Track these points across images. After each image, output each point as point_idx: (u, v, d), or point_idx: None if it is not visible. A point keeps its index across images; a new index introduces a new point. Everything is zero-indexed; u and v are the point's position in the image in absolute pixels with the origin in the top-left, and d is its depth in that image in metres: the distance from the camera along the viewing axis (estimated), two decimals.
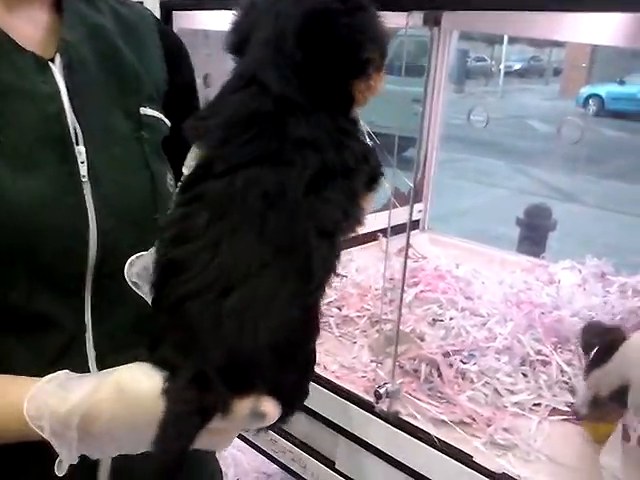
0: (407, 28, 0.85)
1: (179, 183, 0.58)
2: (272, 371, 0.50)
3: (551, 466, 0.93)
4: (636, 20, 0.85)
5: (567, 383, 1.10)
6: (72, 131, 0.62)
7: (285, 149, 0.50)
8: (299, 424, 1.16)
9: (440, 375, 1.09)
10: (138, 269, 0.60)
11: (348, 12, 0.52)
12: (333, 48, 0.52)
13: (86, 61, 0.65)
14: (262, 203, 0.49)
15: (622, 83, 11.36)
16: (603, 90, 11.44)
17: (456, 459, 0.93)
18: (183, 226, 0.51)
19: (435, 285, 1.39)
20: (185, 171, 0.57)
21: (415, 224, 1.82)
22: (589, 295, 1.35)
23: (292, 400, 0.56)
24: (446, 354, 1.14)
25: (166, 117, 0.73)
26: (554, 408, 1.05)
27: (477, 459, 0.92)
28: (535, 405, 1.06)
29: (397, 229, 1.09)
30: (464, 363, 1.12)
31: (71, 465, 0.53)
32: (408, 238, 1.03)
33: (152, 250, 0.59)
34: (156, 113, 0.71)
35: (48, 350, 0.62)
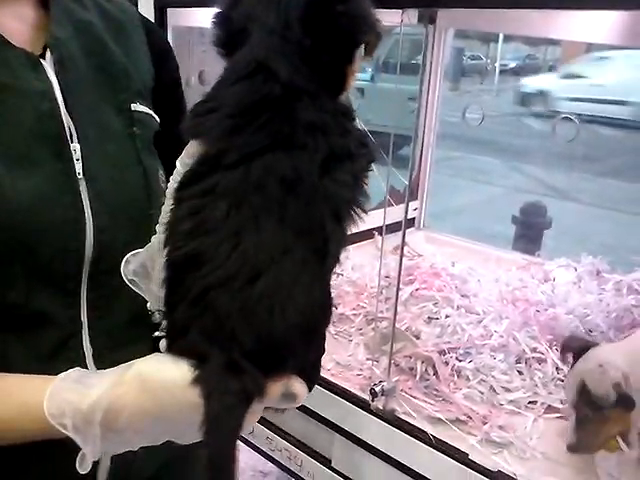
0: (402, 26, 0.85)
1: (172, 178, 0.58)
2: (301, 351, 0.52)
3: (547, 463, 0.93)
4: (631, 18, 0.86)
5: (562, 381, 1.10)
6: (67, 128, 0.61)
7: (296, 134, 0.51)
8: (295, 422, 1.16)
9: (436, 373, 1.10)
10: (135, 266, 0.60)
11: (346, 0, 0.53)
12: (336, 34, 0.53)
13: (75, 58, 0.65)
14: (280, 189, 0.50)
15: None
16: None
17: (452, 457, 0.94)
18: (198, 219, 0.51)
19: (431, 283, 1.40)
20: (180, 167, 0.56)
21: (411, 222, 1.82)
22: (584, 293, 1.36)
23: (311, 379, 0.57)
24: (442, 352, 1.14)
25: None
26: (549, 406, 1.06)
27: (473, 457, 0.92)
28: (530, 403, 1.06)
29: (393, 227, 1.09)
30: (460, 361, 1.13)
31: (69, 465, 0.53)
32: (403, 236, 1.03)
33: (148, 247, 0.59)
34: (146, 109, 0.71)
35: (45, 347, 0.61)
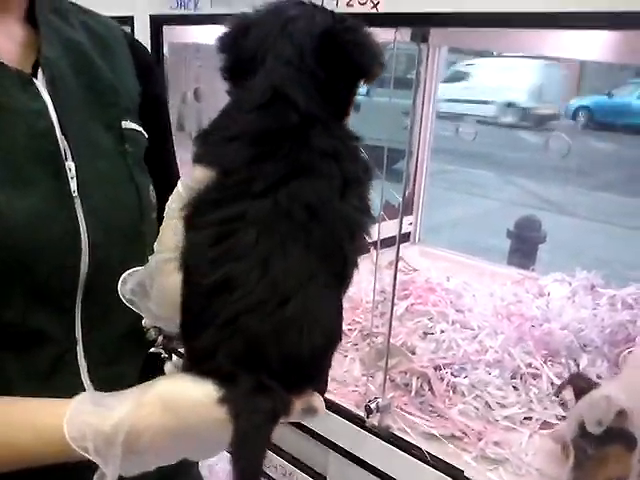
0: (395, 44, 0.86)
1: (172, 199, 0.58)
2: (322, 369, 0.57)
3: None
4: (621, 36, 0.87)
5: (557, 396, 1.10)
6: (61, 147, 0.62)
7: (314, 161, 0.53)
8: (290, 439, 1.16)
9: (431, 389, 1.09)
10: (132, 285, 0.61)
11: (353, 31, 0.56)
12: (348, 65, 0.56)
13: (65, 77, 0.65)
14: (306, 216, 0.52)
15: (610, 96, 11.48)
16: (592, 102, 11.56)
17: (447, 474, 0.93)
18: (226, 246, 0.52)
19: (426, 298, 1.40)
20: (182, 189, 0.57)
21: (406, 236, 1.82)
22: (579, 308, 1.36)
23: (323, 392, 0.60)
24: (437, 367, 1.14)
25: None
26: (545, 421, 1.05)
27: (468, 473, 0.92)
28: (526, 419, 1.06)
29: (388, 242, 1.09)
30: (455, 376, 1.12)
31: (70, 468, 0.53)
32: (398, 251, 1.03)
33: (146, 266, 0.59)
34: (136, 126, 0.71)
35: (43, 364, 0.62)
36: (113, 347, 0.68)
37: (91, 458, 0.51)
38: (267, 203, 0.52)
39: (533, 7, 0.74)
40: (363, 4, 0.88)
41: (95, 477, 0.52)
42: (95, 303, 0.64)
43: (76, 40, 0.68)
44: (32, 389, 0.58)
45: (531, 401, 1.09)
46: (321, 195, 0.53)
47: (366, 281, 1.47)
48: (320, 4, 0.60)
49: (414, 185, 1.80)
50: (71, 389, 0.62)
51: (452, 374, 1.13)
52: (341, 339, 0.59)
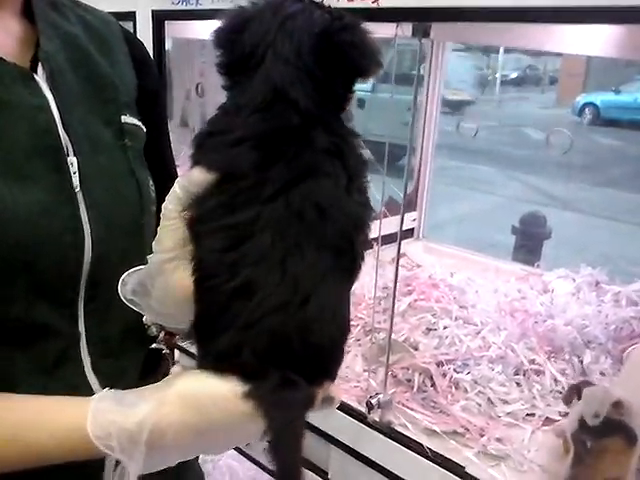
0: (396, 39, 0.85)
1: (169, 200, 0.57)
2: (338, 360, 0.59)
3: (544, 477, 0.92)
4: (627, 31, 0.86)
5: (561, 393, 1.10)
6: (63, 142, 0.62)
7: (319, 161, 0.54)
8: None
9: (433, 385, 1.09)
10: (133, 285, 0.60)
11: (350, 30, 0.56)
12: (346, 65, 0.56)
13: (64, 71, 0.65)
14: (316, 216, 0.53)
15: (617, 92, 11.41)
16: (599, 99, 11.49)
17: (448, 470, 0.93)
18: (243, 250, 0.53)
19: (429, 294, 1.39)
20: (179, 191, 0.56)
21: (410, 232, 1.82)
22: (583, 304, 1.35)
23: (333, 380, 0.61)
24: (439, 363, 1.13)
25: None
26: (547, 418, 1.05)
27: (469, 470, 0.92)
28: (528, 415, 1.06)
29: (392, 238, 1.09)
30: (457, 372, 1.12)
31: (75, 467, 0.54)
32: (399, 247, 1.03)
33: (147, 266, 0.59)
34: (135, 120, 0.71)
35: (49, 358, 0.62)
36: (116, 341, 0.68)
37: (115, 456, 0.52)
38: (279, 206, 0.52)
39: (537, 1, 0.73)
40: None
41: (116, 475, 0.53)
42: (97, 297, 0.65)
43: (73, 34, 0.68)
44: (37, 383, 0.59)
45: (534, 397, 1.09)
46: (329, 194, 0.54)
47: (369, 277, 1.47)
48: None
49: (418, 181, 1.80)
50: (75, 383, 0.63)
51: (455, 370, 1.12)
52: (350, 330, 0.61)
